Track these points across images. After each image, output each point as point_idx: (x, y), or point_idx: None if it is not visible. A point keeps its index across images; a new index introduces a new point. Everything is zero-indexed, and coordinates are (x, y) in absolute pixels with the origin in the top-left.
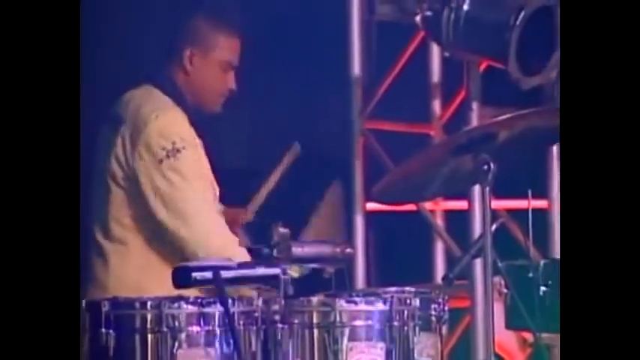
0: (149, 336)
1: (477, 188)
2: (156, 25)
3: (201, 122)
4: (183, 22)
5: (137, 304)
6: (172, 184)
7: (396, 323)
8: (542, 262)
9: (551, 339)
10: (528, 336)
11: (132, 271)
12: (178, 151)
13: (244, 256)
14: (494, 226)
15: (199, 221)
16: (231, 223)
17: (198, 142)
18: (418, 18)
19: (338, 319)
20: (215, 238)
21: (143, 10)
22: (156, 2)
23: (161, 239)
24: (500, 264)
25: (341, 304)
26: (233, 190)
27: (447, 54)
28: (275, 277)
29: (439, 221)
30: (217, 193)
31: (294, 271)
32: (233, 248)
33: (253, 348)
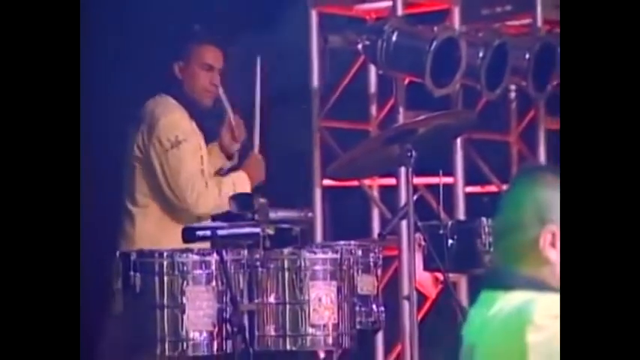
0: (165, 277)
1: (402, 169)
2: (152, 46)
3: (200, 118)
4: (174, 44)
5: (156, 254)
6: (174, 167)
7: (344, 267)
8: (449, 222)
9: (456, 277)
10: (440, 276)
11: (152, 229)
12: (180, 142)
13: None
14: (415, 197)
15: (190, 194)
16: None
17: (198, 133)
18: (359, 46)
19: (302, 264)
20: (201, 204)
21: (141, 27)
22: (150, 23)
23: (169, 206)
24: (419, 224)
25: (304, 253)
26: None
27: (380, 72)
28: (257, 234)
29: (375, 193)
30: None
31: (270, 230)
32: (214, 209)
33: (241, 286)
